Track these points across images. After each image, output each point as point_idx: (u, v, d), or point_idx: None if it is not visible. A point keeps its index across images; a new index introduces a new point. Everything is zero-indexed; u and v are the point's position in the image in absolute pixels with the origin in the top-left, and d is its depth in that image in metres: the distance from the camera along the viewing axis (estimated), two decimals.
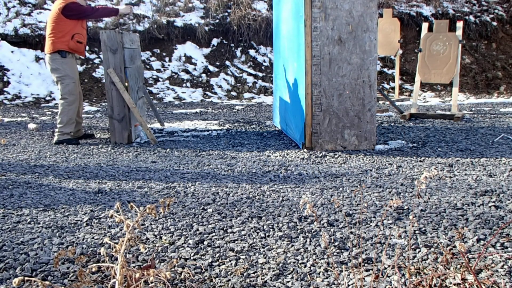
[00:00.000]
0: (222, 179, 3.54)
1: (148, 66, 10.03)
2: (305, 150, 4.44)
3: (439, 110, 7.38)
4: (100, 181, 3.56)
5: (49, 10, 10.23)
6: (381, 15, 8.35)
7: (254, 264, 2.10)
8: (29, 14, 10.03)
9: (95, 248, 2.28)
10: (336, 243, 2.29)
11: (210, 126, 6.16)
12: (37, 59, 9.45)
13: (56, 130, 5.08)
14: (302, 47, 4.28)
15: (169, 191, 3.25)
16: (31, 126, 5.99)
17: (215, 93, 9.84)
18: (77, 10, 4.88)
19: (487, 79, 10.53)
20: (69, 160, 4.27)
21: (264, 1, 11.25)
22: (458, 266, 1.98)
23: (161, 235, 2.43)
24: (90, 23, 9.90)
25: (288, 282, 1.93)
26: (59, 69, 4.94)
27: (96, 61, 9.60)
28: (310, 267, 2.05)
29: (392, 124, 6.00)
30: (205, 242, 2.33)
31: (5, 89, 8.88)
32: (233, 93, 9.88)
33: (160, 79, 9.94)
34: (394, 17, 8.35)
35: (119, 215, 1.72)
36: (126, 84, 4.93)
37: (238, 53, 10.73)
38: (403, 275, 1.95)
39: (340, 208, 2.80)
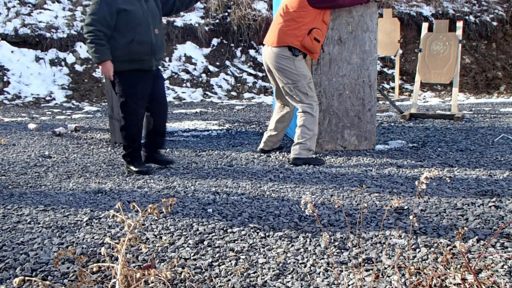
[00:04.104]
0: (222, 179, 3.54)
1: None
2: None
3: (439, 110, 7.38)
4: (100, 181, 3.56)
5: (49, 10, 10.23)
6: (381, 15, 8.35)
7: (254, 264, 2.10)
8: (29, 14, 10.03)
9: (95, 248, 2.28)
10: (336, 243, 2.29)
11: (210, 126, 6.16)
12: (37, 59, 9.45)
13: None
14: None
15: (169, 191, 3.25)
16: (31, 126, 5.99)
17: (215, 93, 9.84)
18: None
19: (487, 79, 10.53)
20: (69, 160, 4.27)
21: (264, 1, 11.24)
22: (458, 266, 1.98)
23: (161, 235, 2.43)
24: None
25: (288, 282, 1.93)
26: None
27: None
28: (310, 267, 2.05)
29: (392, 124, 6.00)
30: (205, 242, 2.33)
31: (5, 89, 8.88)
32: (233, 93, 9.88)
33: None
34: (394, 17, 8.35)
35: (120, 214, 1.73)
36: None
37: (238, 53, 10.73)
38: (403, 275, 1.95)
39: (340, 208, 2.80)
